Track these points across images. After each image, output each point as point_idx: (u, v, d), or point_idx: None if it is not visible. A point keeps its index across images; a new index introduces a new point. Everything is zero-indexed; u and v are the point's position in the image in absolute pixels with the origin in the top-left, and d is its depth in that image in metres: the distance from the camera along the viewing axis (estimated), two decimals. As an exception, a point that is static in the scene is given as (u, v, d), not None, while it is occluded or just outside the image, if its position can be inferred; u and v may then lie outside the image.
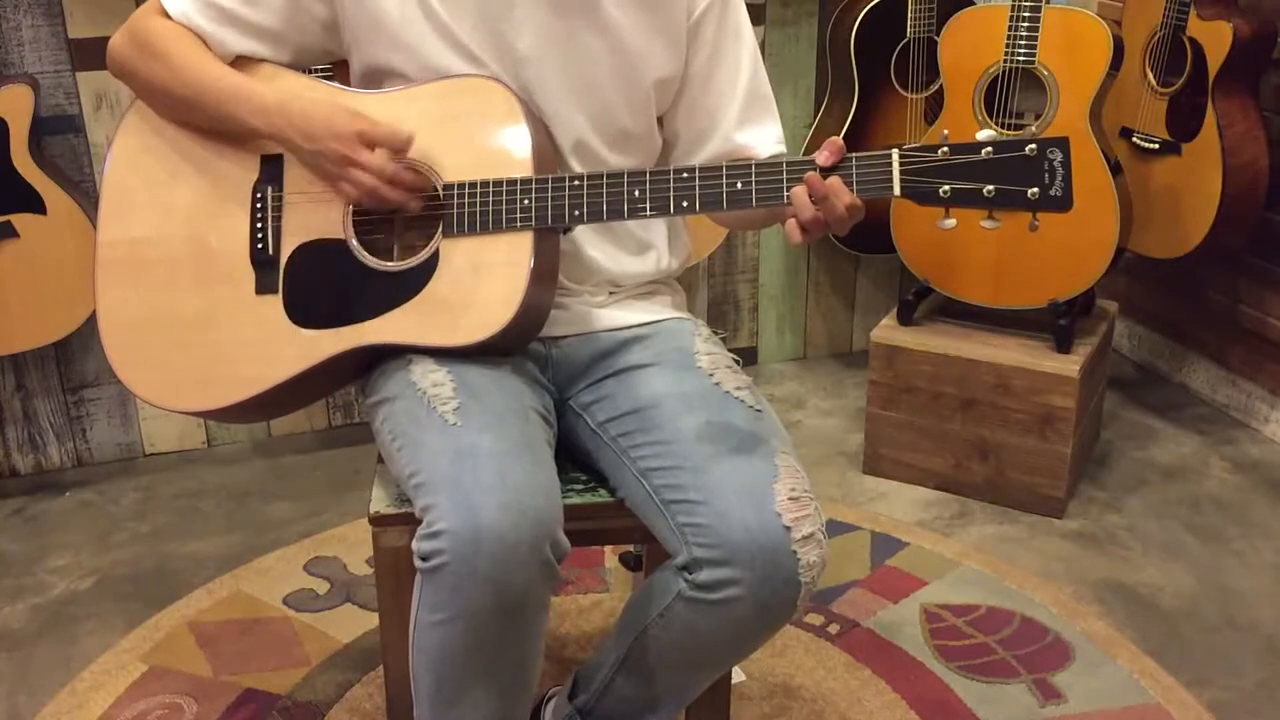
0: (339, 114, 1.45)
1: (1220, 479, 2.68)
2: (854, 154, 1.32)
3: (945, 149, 1.29)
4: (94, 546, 2.45)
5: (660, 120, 1.61)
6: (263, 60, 1.55)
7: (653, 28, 1.53)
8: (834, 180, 1.30)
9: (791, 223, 1.33)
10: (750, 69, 1.59)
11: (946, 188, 1.29)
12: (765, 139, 1.60)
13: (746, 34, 1.60)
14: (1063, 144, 1.27)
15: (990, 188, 1.28)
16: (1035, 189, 1.27)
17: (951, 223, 1.31)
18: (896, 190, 1.30)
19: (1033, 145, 1.26)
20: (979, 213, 1.30)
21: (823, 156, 1.32)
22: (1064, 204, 1.27)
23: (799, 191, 1.32)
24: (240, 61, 1.54)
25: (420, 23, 1.49)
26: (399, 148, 1.44)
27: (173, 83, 1.51)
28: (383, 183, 1.43)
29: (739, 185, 1.36)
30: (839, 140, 1.32)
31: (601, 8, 1.50)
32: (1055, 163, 1.26)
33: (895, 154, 1.30)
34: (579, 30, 1.50)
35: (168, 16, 1.52)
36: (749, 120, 1.59)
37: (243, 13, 1.51)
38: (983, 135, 1.28)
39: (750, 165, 1.36)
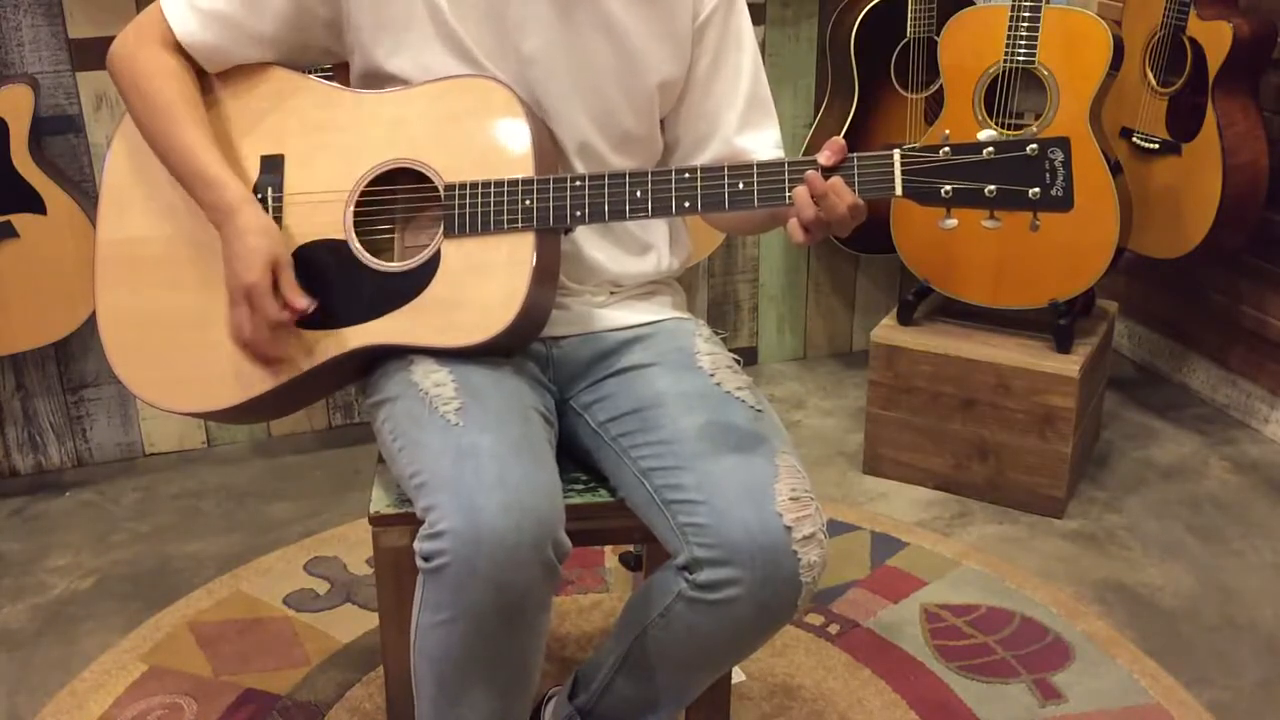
0: (258, 254, 1.43)
1: (1220, 479, 2.68)
2: (855, 154, 1.32)
3: (947, 149, 1.29)
4: (94, 546, 2.45)
5: (662, 123, 1.62)
6: (264, 63, 1.55)
7: (658, 30, 1.53)
8: (835, 180, 1.31)
9: (793, 223, 1.33)
10: (751, 74, 1.60)
11: (948, 188, 1.29)
12: (764, 143, 1.60)
13: (748, 39, 1.60)
14: (1064, 144, 1.27)
15: (992, 188, 1.28)
16: (1036, 189, 1.27)
17: (953, 223, 1.31)
18: (898, 190, 1.30)
19: (1034, 145, 1.27)
20: (980, 213, 1.30)
21: (824, 156, 1.32)
22: (1065, 204, 1.27)
23: (800, 191, 1.32)
24: (243, 64, 1.55)
25: (424, 23, 1.49)
26: (271, 321, 1.44)
27: (148, 134, 1.52)
28: (241, 340, 1.46)
29: (741, 185, 1.36)
30: (840, 140, 1.33)
31: (607, 9, 1.50)
32: (1056, 163, 1.27)
33: (897, 154, 1.30)
34: (584, 31, 1.50)
35: (170, 31, 1.51)
36: (749, 125, 1.60)
37: (246, 21, 1.51)
38: (984, 135, 1.28)
39: (752, 166, 1.36)
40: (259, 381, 1.50)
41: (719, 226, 1.72)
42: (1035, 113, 2.47)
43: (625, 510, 1.51)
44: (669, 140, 1.63)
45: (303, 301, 1.45)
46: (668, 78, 1.56)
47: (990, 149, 1.28)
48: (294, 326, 1.48)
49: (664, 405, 1.47)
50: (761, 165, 1.36)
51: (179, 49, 1.52)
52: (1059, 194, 1.27)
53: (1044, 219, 1.30)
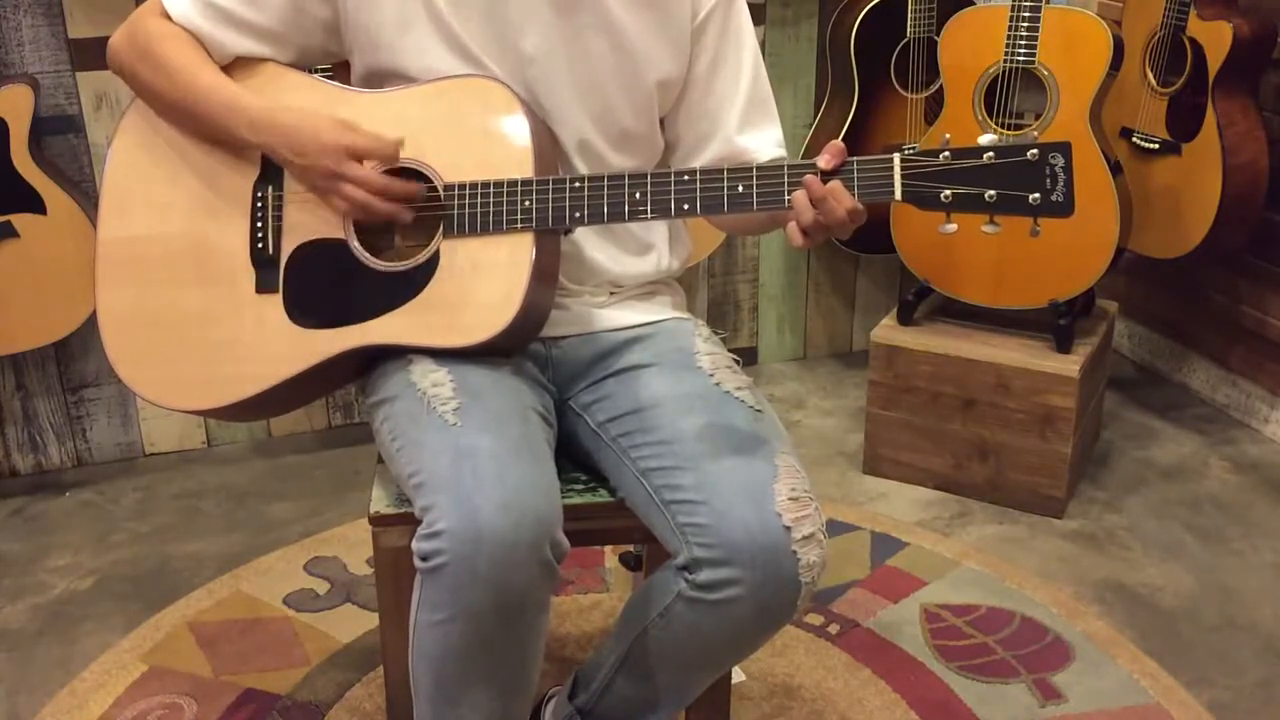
0: (327, 127, 1.44)
1: (1220, 479, 2.68)
2: (855, 158, 1.32)
3: (947, 153, 1.29)
4: (94, 546, 2.45)
5: (662, 122, 1.62)
6: (264, 60, 1.55)
7: (657, 29, 1.53)
8: (834, 184, 1.30)
9: (792, 226, 1.33)
10: (752, 72, 1.60)
11: (948, 192, 1.29)
12: (765, 142, 1.60)
13: (748, 37, 1.60)
14: (1064, 149, 1.27)
15: (992, 192, 1.27)
16: (1037, 194, 1.27)
17: (953, 227, 1.31)
18: (898, 195, 1.30)
19: (1034, 150, 1.26)
20: (980, 217, 1.30)
21: (824, 160, 1.32)
22: (1065, 209, 1.27)
23: (799, 196, 1.32)
24: (241, 61, 1.54)
25: (423, 23, 1.49)
26: (388, 158, 1.44)
27: (168, 90, 1.51)
28: (372, 196, 1.43)
29: (740, 188, 1.36)
30: (840, 144, 1.32)
31: (607, 8, 1.50)
32: (1057, 168, 1.26)
33: (897, 158, 1.30)
34: (584, 30, 1.50)
35: (168, 17, 1.52)
36: (749, 123, 1.60)
37: (244, 14, 1.51)
38: (984, 140, 1.28)
39: (751, 168, 1.36)
40: (258, 380, 1.50)
41: (720, 226, 1.72)
42: (1035, 113, 2.47)
43: (625, 510, 1.51)
44: (670, 139, 1.63)
45: (392, 138, 1.43)
46: (667, 76, 1.56)
47: (990, 153, 1.27)
48: (294, 325, 1.48)
49: (663, 405, 1.47)
50: (761, 168, 1.36)
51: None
52: (1059, 199, 1.27)
53: (1044, 221, 1.30)
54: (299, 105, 1.51)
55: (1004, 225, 1.31)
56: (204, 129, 1.51)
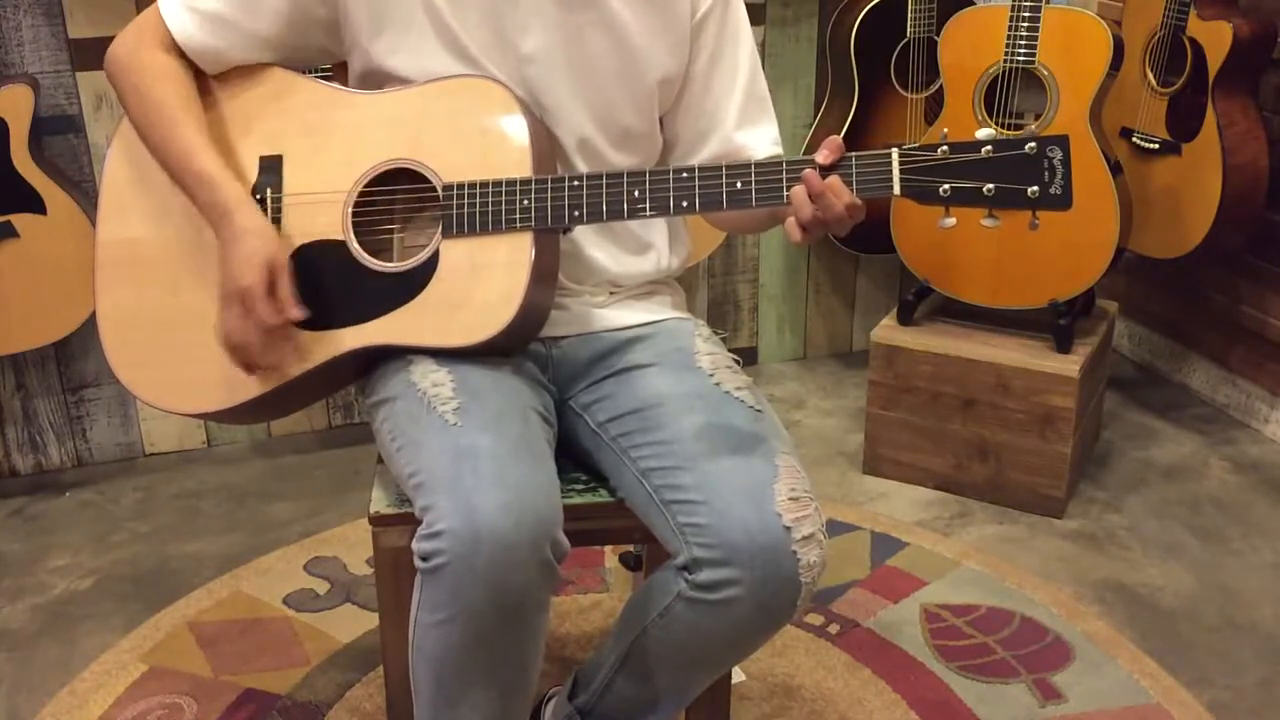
0: (255, 257, 1.42)
1: (1220, 479, 2.68)
2: (853, 153, 1.32)
3: (945, 148, 1.29)
4: (94, 546, 2.45)
5: (662, 120, 1.62)
6: (264, 65, 1.55)
7: (657, 27, 1.53)
8: (833, 179, 1.30)
9: (791, 221, 1.33)
10: (749, 70, 1.60)
11: (946, 186, 1.29)
12: (762, 139, 1.60)
13: (746, 35, 1.60)
14: (1062, 142, 1.27)
15: (990, 186, 1.27)
16: (1035, 187, 1.27)
17: (951, 221, 1.31)
18: (896, 189, 1.30)
19: (1032, 144, 1.26)
20: (979, 211, 1.30)
21: (822, 155, 1.32)
22: (1064, 202, 1.27)
23: (798, 191, 1.32)
24: (242, 66, 1.54)
25: (423, 23, 1.49)
26: (262, 325, 1.43)
27: (146, 136, 1.51)
28: (231, 343, 1.44)
29: (739, 185, 1.36)
30: (838, 139, 1.32)
31: (607, 6, 1.50)
32: (1055, 161, 1.26)
33: (895, 153, 1.30)
34: (584, 28, 1.50)
35: (169, 36, 1.51)
36: (747, 120, 1.60)
37: (244, 22, 1.51)
38: (982, 134, 1.28)
39: (750, 165, 1.36)
40: (258, 382, 1.50)
41: (719, 225, 1.72)
42: (1035, 113, 2.47)
43: (625, 510, 1.51)
44: (668, 137, 1.63)
45: (296, 311, 1.44)
46: (667, 74, 1.56)
47: (989, 147, 1.27)
48: (291, 328, 1.48)
49: (663, 405, 1.47)
50: (759, 164, 1.36)
51: (177, 50, 1.52)
52: (1058, 192, 1.27)
53: (1044, 218, 1.30)
54: (296, 109, 1.52)
55: (1003, 223, 1.31)
56: (169, 176, 1.51)
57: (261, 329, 1.43)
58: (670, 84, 1.57)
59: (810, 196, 1.31)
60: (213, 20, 1.51)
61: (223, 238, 1.46)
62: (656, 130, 1.61)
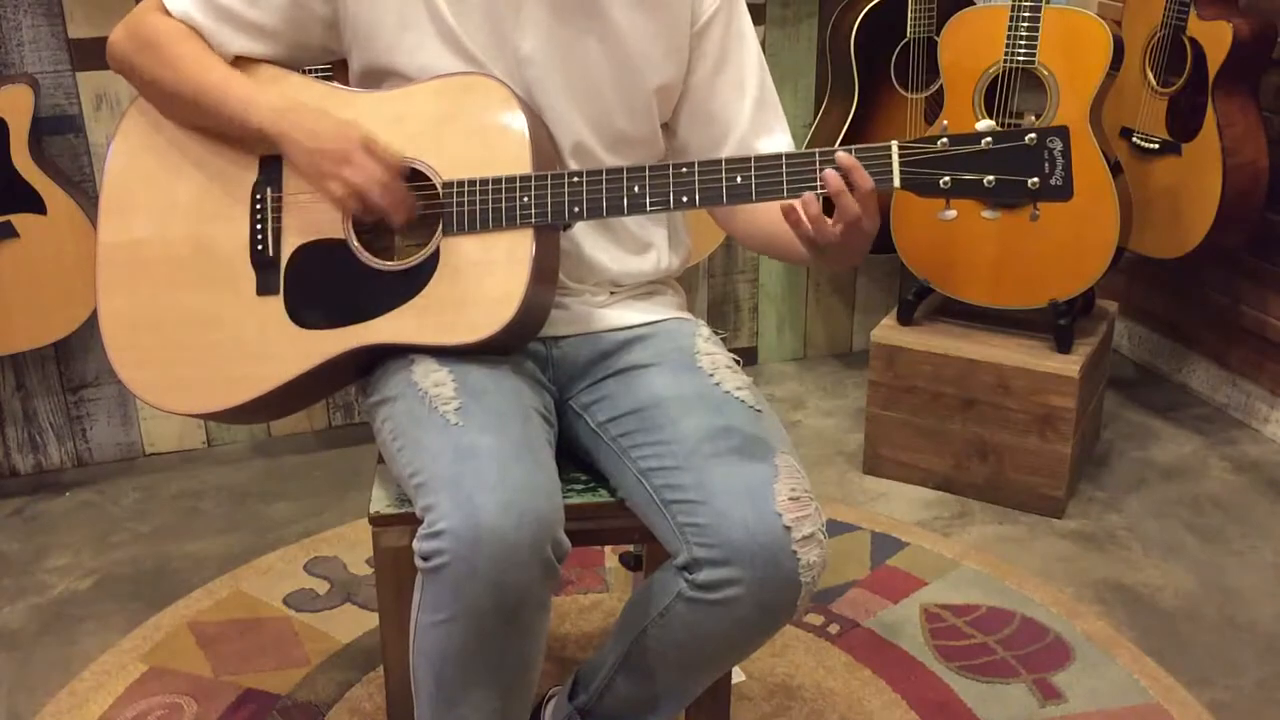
0: (345, 120, 1.45)
1: (1220, 479, 2.68)
2: (853, 146, 1.32)
3: (945, 140, 1.29)
4: (94, 546, 2.45)
5: (666, 128, 1.61)
6: (261, 60, 1.55)
7: (655, 34, 1.53)
8: (846, 158, 1.30)
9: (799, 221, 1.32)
10: (758, 75, 1.59)
11: (947, 179, 1.29)
12: (777, 148, 1.58)
13: (751, 40, 1.60)
14: (1062, 133, 1.26)
15: (990, 178, 1.27)
16: (1035, 178, 1.27)
17: (952, 214, 1.31)
18: (896, 182, 1.30)
19: (1032, 135, 1.26)
20: (979, 203, 1.30)
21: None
22: (1064, 193, 1.27)
23: (810, 200, 1.31)
24: (239, 62, 1.54)
25: (423, 22, 1.49)
26: (396, 166, 1.44)
27: (174, 82, 1.50)
28: (373, 184, 1.43)
29: (739, 180, 1.36)
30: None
31: (606, 12, 1.50)
32: (1055, 152, 1.26)
33: (894, 145, 1.30)
34: (582, 34, 1.50)
35: (168, 14, 1.51)
36: (760, 127, 1.59)
37: (244, 12, 1.51)
38: (982, 125, 1.28)
39: (750, 159, 1.36)
40: (259, 382, 1.50)
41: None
42: (1035, 113, 2.47)
43: (625, 510, 1.51)
44: (679, 145, 1.62)
45: (405, 156, 1.45)
46: (665, 82, 1.55)
47: (988, 139, 1.27)
48: (295, 326, 1.48)
49: (664, 405, 1.47)
50: (759, 159, 1.35)
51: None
52: (1058, 183, 1.26)
53: (1044, 218, 1.30)
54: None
55: (1003, 222, 1.31)
56: (210, 120, 1.51)
57: (388, 162, 1.43)
58: (669, 91, 1.57)
59: (831, 195, 1.30)
60: (214, 7, 1.50)
61: (288, 134, 1.45)
62: (656, 136, 1.60)
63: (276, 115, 1.46)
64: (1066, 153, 1.26)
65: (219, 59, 1.51)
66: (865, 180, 1.29)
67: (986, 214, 1.29)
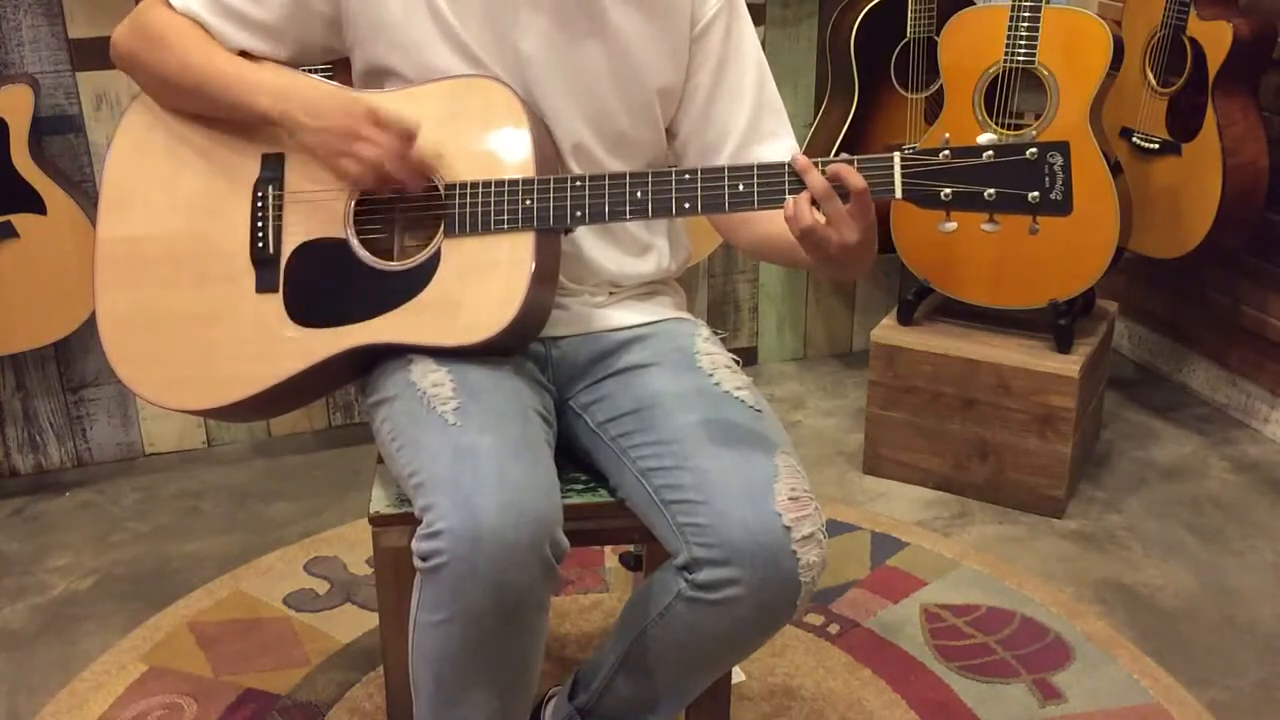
0: (349, 96, 1.46)
1: (1220, 479, 2.68)
2: (855, 156, 1.32)
3: (946, 152, 1.29)
4: (94, 546, 2.45)
5: (669, 131, 1.61)
6: (264, 58, 1.55)
7: (655, 36, 1.53)
8: (838, 166, 1.29)
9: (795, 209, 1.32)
10: (757, 79, 1.59)
11: (948, 190, 1.29)
12: (780, 153, 1.58)
13: (751, 44, 1.59)
14: (1063, 148, 1.27)
15: (991, 191, 1.28)
16: (1036, 193, 1.27)
17: (952, 226, 1.31)
18: (898, 193, 1.31)
19: (1033, 149, 1.27)
20: (979, 215, 1.31)
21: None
22: (1064, 208, 1.28)
23: (800, 200, 1.31)
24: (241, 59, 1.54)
25: (424, 21, 1.49)
26: (406, 134, 1.44)
27: (179, 71, 1.50)
28: (388, 156, 1.43)
29: (740, 187, 1.36)
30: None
31: (606, 14, 1.50)
32: (1056, 166, 1.27)
33: (897, 156, 1.31)
34: (582, 35, 1.50)
35: (172, 10, 1.52)
36: (761, 134, 1.59)
37: (246, 9, 1.51)
38: (984, 139, 1.28)
39: (752, 167, 1.36)
40: (258, 380, 1.50)
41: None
42: (1035, 113, 2.47)
43: (625, 510, 1.51)
44: (679, 148, 1.62)
45: (413, 120, 1.43)
46: (666, 84, 1.55)
47: (990, 152, 1.28)
48: (294, 325, 1.48)
49: (663, 405, 1.47)
50: (761, 166, 1.36)
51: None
52: (1058, 198, 1.27)
53: (1044, 219, 1.31)
54: None
55: (1004, 224, 1.31)
56: (215, 106, 1.51)
57: (400, 132, 1.42)
58: (670, 93, 1.57)
59: (815, 200, 1.30)
60: (217, 4, 1.51)
61: (296, 113, 1.45)
62: (659, 139, 1.60)
63: (279, 97, 1.47)
64: (1067, 168, 1.27)
65: (223, 48, 1.51)
66: (857, 180, 1.29)
67: (986, 227, 1.30)
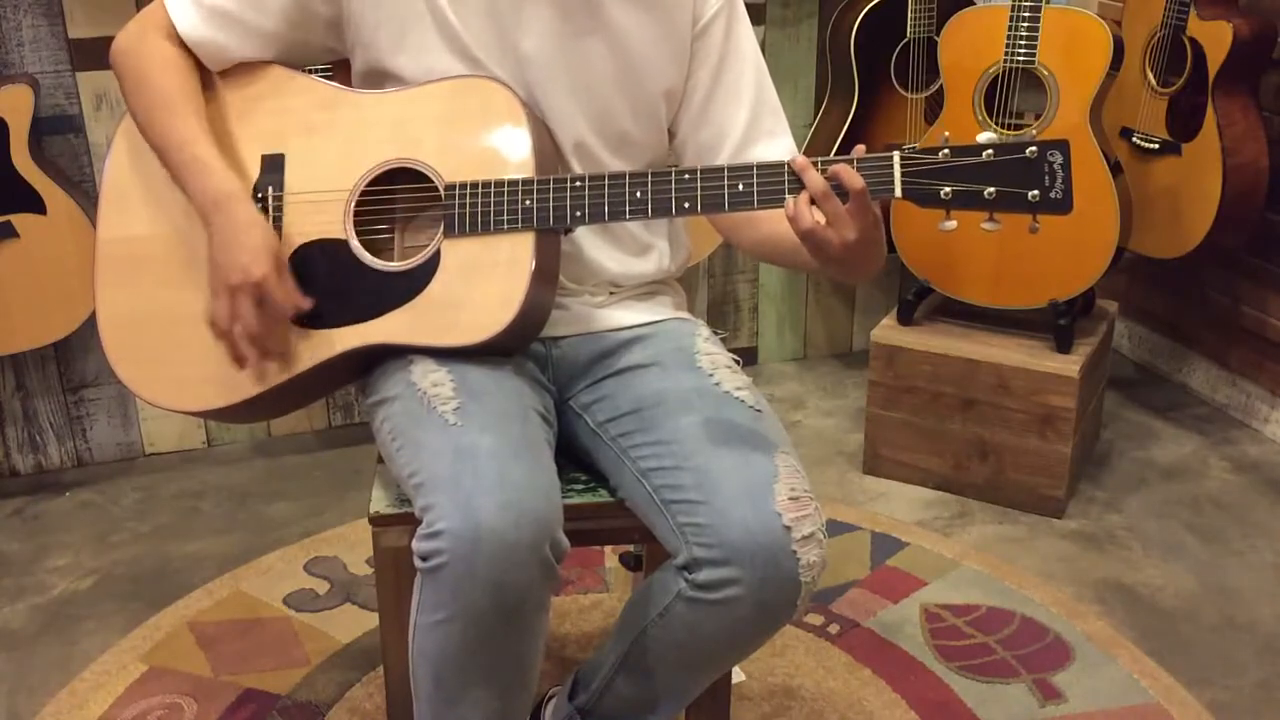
0: (264, 249, 1.43)
1: (1220, 479, 2.68)
2: (855, 155, 1.32)
3: (946, 151, 1.29)
4: (94, 546, 2.45)
5: (669, 131, 1.61)
6: (265, 63, 1.55)
7: (656, 35, 1.53)
8: (838, 166, 1.30)
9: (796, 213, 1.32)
10: (756, 80, 1.59)
11: (947, 189, 1.29)
12: (778, 153, 1.58)
13: (749, 44, 1.59)
14: (1063, 147, 1.27)
15: (991, 190, 1.28)
16: (1036, 191, 1.27)
17: (952, 224, 1.31)
18: (898, 192, 1.31)
19: (1033, 148, 1.27)
20: (979, 214, 1.31)
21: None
22: (1064, 206, 1.28)
23: (800, 199, 1.31)
24: (243, 64, 1.55)
25: (426, 21, 1.49)
26: (280, 316, 1.44)
27: (144, 123, 1.51)
28: (241, 333, 1.43)
29: (740, 187, 1.36)
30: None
31: (608, 13, 1.50)
32: (1055, 165, 1.27)
33: (896, 155, 1.31)
34: (584, 34, 1.50)
35: (173, 29, 1.51)
36: (760, 134, 1.59)
37: (247, 17, 1.51)
38: (983, 138, 1.28)
39: (752, 167, 1.36)
40: (258, 380, 1.50)
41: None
42: (1035, 113, 2.47)
43: (625, 510, 1.51)
44: (678, 148, 1.62)
45: (305, 300, 1.45)
46: (671, 85, 1.56)
47: (990, 151, 1.28)
48: (295, 325, 1.48)
49: (663, 405, 1.47)
50: (761, 166, 1.35)
51: (181, 43, 1.52)
52: (1058, 196, 1.27)
53: (1044, 218, 1.31)
54: (298, 108, 1.52)
55: (1004, 223, 1.31)
56: (165, 165, 1.51)
57: (275, 318, 1.43)
58: (672, 93, 1.57)
59: (814, 200, 1.30)
60: (217, 14, 1.51)
61: (219, 225, 1.44)
62: (661, 140, 1.60)
63: (212, 207, 1.45)
64: (1067, 166, 1.27)
65: (196, 109, 1.50)
66: (855, 179, 1.29)
67: (986, 225, 1.30)
